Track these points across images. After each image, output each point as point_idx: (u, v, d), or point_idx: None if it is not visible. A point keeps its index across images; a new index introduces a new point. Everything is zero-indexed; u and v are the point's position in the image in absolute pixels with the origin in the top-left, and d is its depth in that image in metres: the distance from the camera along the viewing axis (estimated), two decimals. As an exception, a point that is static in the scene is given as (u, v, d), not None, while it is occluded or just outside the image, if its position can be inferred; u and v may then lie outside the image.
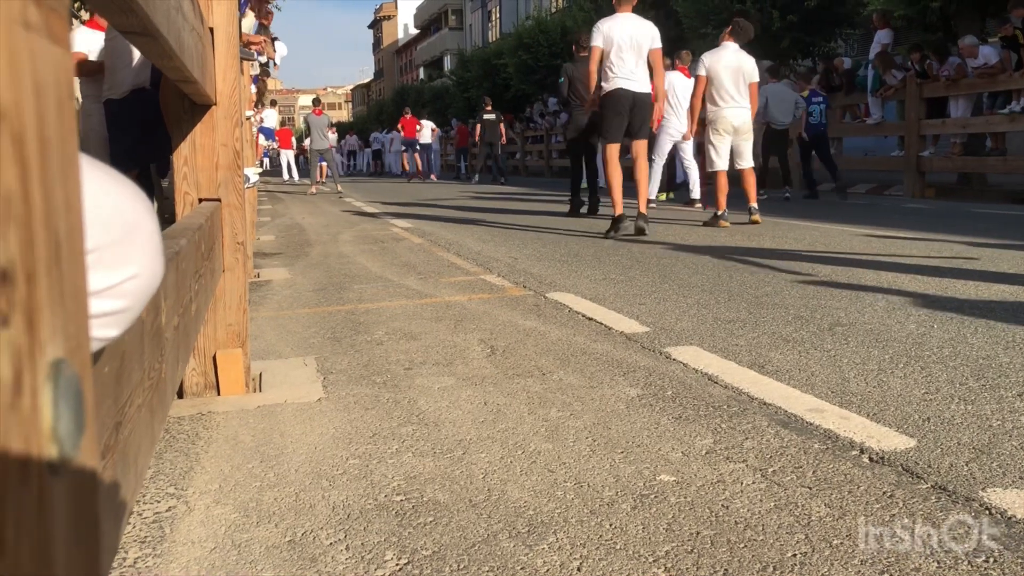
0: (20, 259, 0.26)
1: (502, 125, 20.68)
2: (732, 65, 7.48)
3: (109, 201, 0.56)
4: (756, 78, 7.62)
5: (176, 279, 1.21)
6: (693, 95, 7.83)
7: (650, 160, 10.15)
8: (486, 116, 20.34)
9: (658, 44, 6.82)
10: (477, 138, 20.64)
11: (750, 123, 7.66)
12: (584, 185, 9.50)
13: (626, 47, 6.69)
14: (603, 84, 6.80)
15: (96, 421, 0.68)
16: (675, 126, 10.25)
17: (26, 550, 0.26)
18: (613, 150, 6.91)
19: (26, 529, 0.26)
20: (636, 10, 6.97)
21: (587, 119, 8.66)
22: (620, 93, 6.74)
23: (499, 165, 20.42)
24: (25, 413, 0.27)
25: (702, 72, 7.52)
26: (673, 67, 10.53)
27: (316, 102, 19.00)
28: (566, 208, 9.49)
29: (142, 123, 4.06)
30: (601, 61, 6.79)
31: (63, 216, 0.29)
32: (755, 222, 7.39)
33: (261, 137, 22.37)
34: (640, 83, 6.79)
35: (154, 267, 0.62)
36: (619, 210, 6.71)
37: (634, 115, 6.80)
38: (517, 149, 25.13)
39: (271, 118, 23.13)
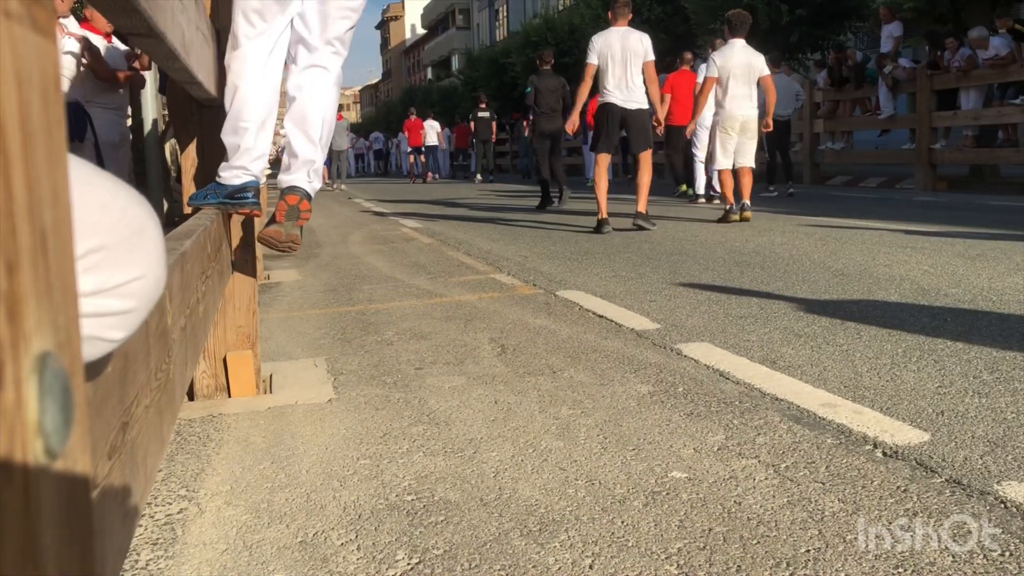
0: (1, 250, 0.26)
1: (494, 124, 21.01)
2: (743, 63, 7.53)
3: (117, 205, 0.58)
4: (767, 71, 7.68)
5: (182, 280, 1.21)
6: (700, 93, 7.85)
7: (693, 156, 10.43)
8: (480, 114, 20.55)
9: (651, 57, 7.05)
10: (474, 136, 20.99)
11: (756, 121, 7.69)
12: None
13: (619, 62, 6.95)
14: (598, 97, 7.06)
15: (100, 419, 0.68)
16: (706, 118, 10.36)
17: (11, 548, 0.26)
18: (601, 159, 7.30)
19: (10, 527, 0.26)
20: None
21: (552, 126, 9.78)
22: (609, 108, 7.04)
23: (489, 164, 20.73)
24: (8, 406, 0.26)
25: (713, 73, 7.57)
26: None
27: (337, 108, 20.14)
28: (576, 207, 9.59)
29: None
30: (596, 75, 7.09)
31: (49, 208, 0.29)
32: (746, 218, 7.48)
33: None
34: (634, 98, 7.04)
35: (158, 271, 0.63)
36: (603, 214, 7.06)
37: (629, 129, 7.07)
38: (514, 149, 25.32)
39: None
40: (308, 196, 2.44)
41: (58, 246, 0.29)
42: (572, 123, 7.53)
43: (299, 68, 2.44)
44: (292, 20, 2.41)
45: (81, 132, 5.31)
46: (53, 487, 0.29)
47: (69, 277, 0.30)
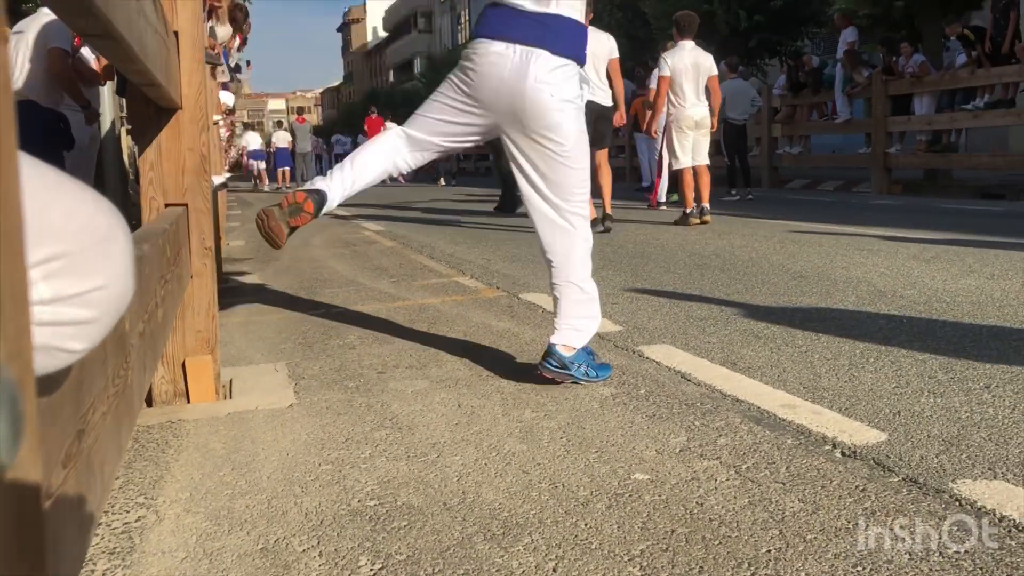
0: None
1: None
2: (691, 63, 7.62)
3: (84, 212, 0.57)
4: (715, 71, 7.81)
5: (139, 284, 1.19)
6: (657, 94, 7.91)
7: (660, 160, 10.43)
8: None
9: (616, 54, 7.12)
10: None
11: (709, 119, 7.79)
12: None
13: (589, 61, 6.89)
14: None
15: (55, 428, 0.67)
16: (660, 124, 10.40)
17: (-42, 564, 0.25)
18: None
19: (-43, 542, 0.25)
20: (604, 10, 7.14)
21: None
22: (591, 106, 6.96)
23: (449, 168, 20.81)
24: (-48, 420, 0.25)
25: (666, 72, 7.64)
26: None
27: (300, 111, 20.39)
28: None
29: None
30: None
31: (-3, 215, 0.28)
32: (705, 222, 7.54)
33: (252, 162, 23.23)
34: (603, 96, 7.08)
35: (124, 282, 0.62)
36: (593, 213, 6.90)
37: (597, 127, 7.05)
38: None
39: (255, 141, 23.52)
40: (319, 202, 2.48)
41: (8, 255, 0.28)
42: None
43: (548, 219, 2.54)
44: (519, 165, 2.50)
45: (69, 142, 5.21)
46: (1, 502, 0.28)
47: (20, 285, 0.30)
